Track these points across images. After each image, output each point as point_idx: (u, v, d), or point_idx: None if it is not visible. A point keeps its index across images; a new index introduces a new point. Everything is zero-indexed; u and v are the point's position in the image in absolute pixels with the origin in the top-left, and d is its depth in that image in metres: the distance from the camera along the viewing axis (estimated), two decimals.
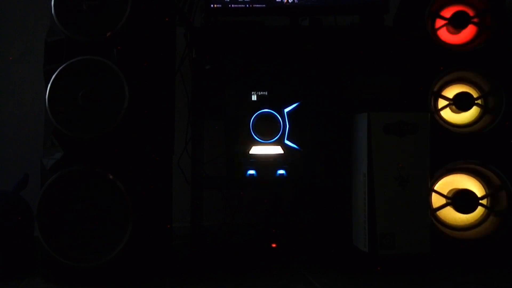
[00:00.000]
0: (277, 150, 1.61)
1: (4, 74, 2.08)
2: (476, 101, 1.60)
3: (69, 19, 1.44)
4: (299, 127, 1.62)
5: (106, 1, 1.43)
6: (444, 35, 1.64)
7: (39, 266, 1.44)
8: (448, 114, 1.64)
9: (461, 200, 1.58)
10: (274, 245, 1.77)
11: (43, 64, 1.44)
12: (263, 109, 1.61)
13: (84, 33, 1.44)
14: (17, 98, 2.08)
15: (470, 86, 1.63)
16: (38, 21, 2.01)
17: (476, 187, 1.61)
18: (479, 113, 1.64)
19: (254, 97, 1.63)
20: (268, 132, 1.61)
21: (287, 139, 1.61)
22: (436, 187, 1.60)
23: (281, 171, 1.61)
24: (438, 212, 1.59)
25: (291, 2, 1.70)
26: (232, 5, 1.70)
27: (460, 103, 1.60)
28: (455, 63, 1.59)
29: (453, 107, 1.62)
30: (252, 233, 1.94)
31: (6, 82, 2.08)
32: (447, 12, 1.62)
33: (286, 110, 1.61)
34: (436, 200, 1.60)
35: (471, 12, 1.62)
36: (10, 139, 2.06)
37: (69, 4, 1.43)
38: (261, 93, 1.63)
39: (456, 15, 1.60)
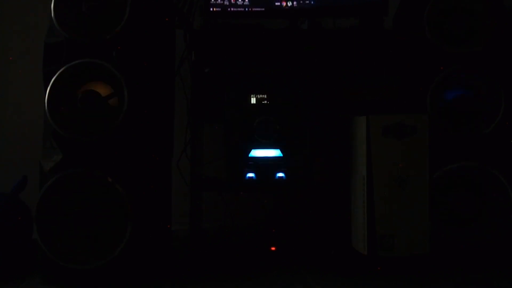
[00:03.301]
0: (276, 152, 1.61)
1: (3, 75, 2.08)
2: (474, 103, 1.60)
3: (68, 21, 1.44)
4: (299, 129, 1.62)
5: (105, 3, 1.44)
6: (443, 36, 1.64)
7: (38, 267, 1.43)
8: (447, 116, 1.64)
9: (460, 201, 1.57)
10: (273, 248, 1.76)
11: (43, 66, 1.44)
12: (262, 111, 1.61)
13: (83, 35, 1.44)
14: (16, 100, 2.09)
15: (469, 87, 1.64)
16: (38, 21, 2.01)
17: (474, 188, 1.61)
18: (478, 114, 1.64)
19: (253, 100, 1.63)
20: (267, 135, 1.60)
21: (286, 142, 1.61)
22: (435, 189, 1.59)
23: (280, 174, 1.61)
24: (437, 214, 1.59)
25: (290, 5, 1.70)
26: (232, 9, 1.70)
27: (459, 104, 1.61)
28: (454, 64, 1.59)
29: (452, 108, 1.62)
30: (251, 234, 1.94)
31: (5, 83, 2.08)
32: (446, 14, 1.62)
33: (286, 112, 1.61)
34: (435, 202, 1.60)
35: (469, 14, 1.62)
36: (9, 141, 2.06)
37: (68, 6, 1.44)
38: (260, 95, 1.63)
39: (455, 16, 1.61)
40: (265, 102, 1.63)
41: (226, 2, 1.70)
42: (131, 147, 1.44)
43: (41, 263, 1.40)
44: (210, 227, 2.01)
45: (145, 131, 1.47)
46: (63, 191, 1.42)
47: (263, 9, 1.71)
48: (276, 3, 1.70)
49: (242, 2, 1.70)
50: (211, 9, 1.70)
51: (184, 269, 1.55)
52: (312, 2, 1.70)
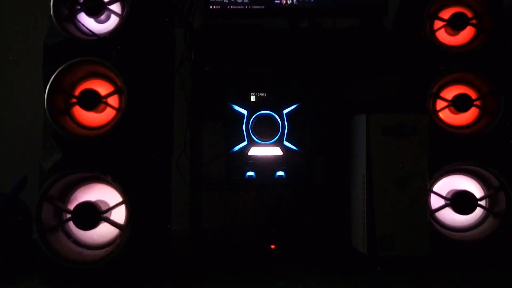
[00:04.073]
0: (276, 151, 1.61)
1: (3, 75, 2.08)
2: (474, 103, 1.61)
3: (68, 21, 1.44)
4: (298, 128, 1.62)
5: (105, 3, 1.43)
6: (443, 36, 1.64)
7: (38, 267, 1.43)
8: (447, 115, 1.64)
9: (460, 201, 1.58)
10: (273, 247, 1.77)
11: (42, 66, 1.44)
12: (262, 110, 1.61)
13: (82, 34, 1.44)
14: (16, 100, 2.08)
15: (469, 87, 1.64)
16: (38, 21, 2.01)
17: (475, 188, 1.61)
18: (478, 114, 1.64)
19: (253, 99, 1.63)
20: (267, 134, 1.60)
21: (286, 141, 1.61)
22: (434, 188, 1.60)
23: (280, 173, 1.61)
24: (437, 213, 1.59)
25: (290, 3, 1.70)
26: (231, 6, 1.70)
27: (459, 104, 1.61)
28: (453, 64, 1.59)
29: (452, 108, 1.62)
30: (251, 234, 1.94)
31: (5, 83, 2.08)
32: (446, 14, 1.63)
33: (285, 111, 1.61)
34: (435, 201, 1.60)
35: (469, 14, 1.62)
36: (9, 141, 2.06)
37: (68, 6, 1.43)
38: (260, 94, 1.62)
39: (454, 16, 1.61)
40: (265, 101, 1.62)
41: (226, 0, 1.70)
42: (131, 147, 1.44)
43: (41, 263, 1.40)
44: (210, 227, 2.01)
45: (144, 130, 1.47)
46: (63, 190, 1.42)
47: (262, 7, 1.71)
48: (276, 1, 1.70)
49: (241, 0, 1.70)
50: (211, 7, 1.70)
51: (184, 269, 1.55)
52: (312, 0, 1.70)
